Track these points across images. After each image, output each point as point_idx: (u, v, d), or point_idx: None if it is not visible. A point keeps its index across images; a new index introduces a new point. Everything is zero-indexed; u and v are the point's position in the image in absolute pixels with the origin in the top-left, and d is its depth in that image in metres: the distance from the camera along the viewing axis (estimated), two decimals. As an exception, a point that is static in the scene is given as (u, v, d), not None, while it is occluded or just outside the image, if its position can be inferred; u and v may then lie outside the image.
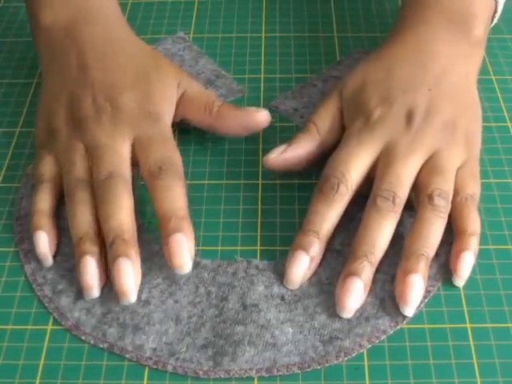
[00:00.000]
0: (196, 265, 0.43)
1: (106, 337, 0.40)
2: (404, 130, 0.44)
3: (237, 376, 0.38)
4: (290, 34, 0.60)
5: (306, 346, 0.39)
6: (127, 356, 0.39)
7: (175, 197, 0.42)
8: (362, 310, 0.40)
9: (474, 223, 0.42)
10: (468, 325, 0.40)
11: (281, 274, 0.42)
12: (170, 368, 0.38)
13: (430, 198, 0.41)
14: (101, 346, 0.39)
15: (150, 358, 0.39)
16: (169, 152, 0.44)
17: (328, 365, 0.38)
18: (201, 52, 0.58)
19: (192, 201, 0.47)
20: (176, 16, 0.62)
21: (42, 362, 0.39)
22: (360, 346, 0.39)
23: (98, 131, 0.45)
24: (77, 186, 0.43)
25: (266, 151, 0.49)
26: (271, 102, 0.54)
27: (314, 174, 0.48)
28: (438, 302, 0.41)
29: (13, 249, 0.45)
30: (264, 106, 0.53)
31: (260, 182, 0.48)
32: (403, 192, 0.42)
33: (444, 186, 0.42)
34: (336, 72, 0.55)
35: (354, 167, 0.43)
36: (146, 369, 0.39)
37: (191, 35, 0.60)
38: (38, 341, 0.40)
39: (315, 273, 0.42)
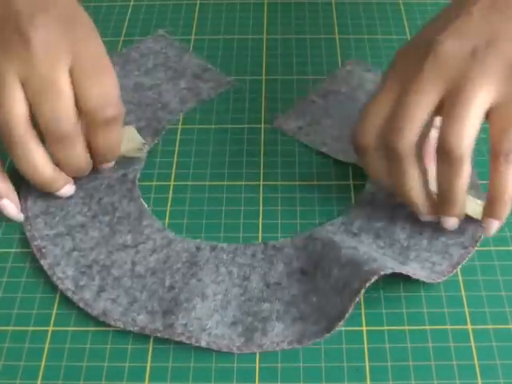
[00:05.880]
0: (213, 248, 0.44)
1: (137, 322, 0.40)
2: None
3: (270, 349, 0.39)
4: (292, 36, 0.60)
5: (330, 307, 0.40)
6: (159, 335, 0.39)
7: None
8: (368, 254, 0.41)
9: None
10: (469, 326, 0.40)
11: (298, 248, 0.43)
12: (203, 343, 0.39)
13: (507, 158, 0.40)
14: (131, 329, 0.40)
15: (183, 334, 0.39)
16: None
17: (348, 315, 0.39)
18: (184, 48, 0.58)
19: (193, 202, 0.47)
20: (177, 18, 0.62)
21: (43, 363, 0.39)
22: (365, 280, 0.39)
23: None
24: None
25: (268, 152, 0.49)
26: (274, 121, 0.52)
27: (315, 174, 0.49)
28: (439, 303, 0.41)
29: (14, 250, 0.45)
30: (265, 108, 0.53)
31: (261, 183, 0.48)
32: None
33: None
34: (335, 86, 0.54)
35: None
36: (148, 369, 0.39)
37: (192, 37, 0.60)
38: (39, 342, 0.40)
39: (327, 238, 0.43)
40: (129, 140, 0.49)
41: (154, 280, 0.42)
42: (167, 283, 0.42)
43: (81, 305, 0.41)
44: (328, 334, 0.39)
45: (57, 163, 0.45)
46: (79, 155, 0.45)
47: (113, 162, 0.48)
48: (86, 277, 0.43)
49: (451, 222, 0.43)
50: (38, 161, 0.44)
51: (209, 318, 0.40)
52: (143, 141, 0.49)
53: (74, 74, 0.43)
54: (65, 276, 0.43)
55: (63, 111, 0.43)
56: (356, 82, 0.54)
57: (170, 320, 0.40)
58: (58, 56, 0.43)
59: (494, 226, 0.41)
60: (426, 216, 0.44)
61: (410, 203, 0.43)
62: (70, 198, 0.47)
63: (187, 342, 0.39)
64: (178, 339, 0.39)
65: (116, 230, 0.45)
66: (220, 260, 0.43)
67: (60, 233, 0.45)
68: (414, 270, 0.41)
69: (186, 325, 0.40)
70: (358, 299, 0.39)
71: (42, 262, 0.43)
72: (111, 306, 0.41)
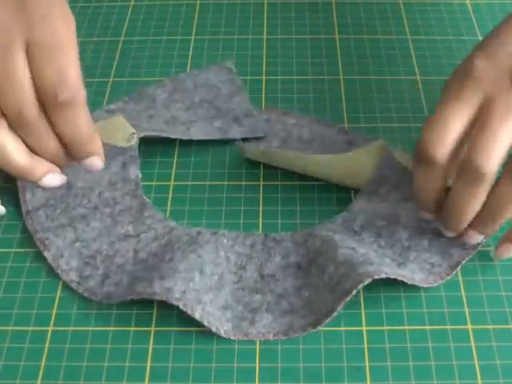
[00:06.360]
0: (214, 233, 0.44)
1: (136, 289, 0.40)
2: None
3: (255, 339, 0.40)
4: (292, 36, 0.60)
5: (320, 303, 0.40)
6: (156, 298, 0.39)
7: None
8: (366, 256, 0.41)
9: None
10: (469, 326, 0.40)
11: (297, 243, 0.43)
12: (197, 315, 0.39)
13: None
14: (129, 297, 0.40)
15: (180, 299, 0.39)
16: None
17: (335, 314, 0.39)
18: (241, 86, 0.55)
19: (193, 202, 0.47)
20: (177, 18, 0.62)
21: (43, 363, 0.39)
22: (358, 282, 0.39)
23: None
24: None
25: (267, 152, 0.49)
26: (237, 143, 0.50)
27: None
28: (439, 303, 0.41)
29: (14, 250, 0.45)
30: (265, 108, 0.53)
31: (261, 183, 0.48)
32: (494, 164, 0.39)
33: None
34: (270, 143, 0.51)
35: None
36: (148, 369, 0.39)
37: (192, 37, 0.60)
38: (39, 342, 0.40)
39: (327, 236, 0.43)
40: (117, 129, 0.48)
41: (156, 260, 0.43)
42: (167, 258, 0.42)
43: (86, 294, 0.42)
44: (314, 330, 0.40)
45: (32, 151, 0.44)
46: (49, 140, 0.44)
47: (99, 162, 0.45)
48: (90, 267, 0.43)
49: (477, 238, 0.42)
50: (10, 148, 0.43)
51: (205, 294, 0.40)
52: (133, 130, 0.48)
53: (29, 55, 0.42)
54: (69, 268, 0.43)
55: (21, 97, 0.42)
56: (285, 132, 0.51)
57: (167, 284, 0.40)
58: (11, 38, 0.42)
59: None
60: (450, 233, 0.43)
61: (459, 224, 0.41)
62: (69, 189, 0.47)
63: (183, 309, 0.39)
64: (176, 304, 0.39)
65: (117, 220, 0.45)
66: (220, 243, 0.43)
67: (62, 224, 0.45)
68: (410, 273, 0.41)
69: (184, 292, 0.40)
70: (348, 299, 0.39)
71: (46, 253, 0.44)
72: (115, 288, 0.42)
